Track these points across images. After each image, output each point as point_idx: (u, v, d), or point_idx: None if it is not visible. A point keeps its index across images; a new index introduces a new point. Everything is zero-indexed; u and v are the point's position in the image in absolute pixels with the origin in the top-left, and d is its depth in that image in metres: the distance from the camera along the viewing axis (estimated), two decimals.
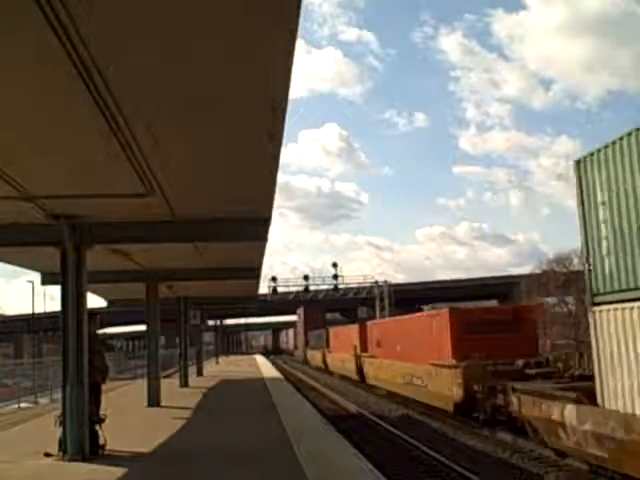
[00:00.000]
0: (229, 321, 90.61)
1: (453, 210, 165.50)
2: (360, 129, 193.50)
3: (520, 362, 15.08)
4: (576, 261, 58.91)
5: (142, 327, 44.66)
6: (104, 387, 11.23)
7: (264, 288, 49.75)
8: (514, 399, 13.38)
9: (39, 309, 71.43)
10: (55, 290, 77.21)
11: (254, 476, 8.40)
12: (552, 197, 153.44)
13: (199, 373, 32.18)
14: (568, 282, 44.39)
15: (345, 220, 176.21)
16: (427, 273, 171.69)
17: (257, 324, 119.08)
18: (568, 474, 10.82)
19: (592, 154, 10.35)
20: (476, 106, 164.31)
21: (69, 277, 9.72)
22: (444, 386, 17.35)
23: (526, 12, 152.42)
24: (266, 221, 10.49)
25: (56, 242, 9.77)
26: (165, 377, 25.55)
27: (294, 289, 57.94)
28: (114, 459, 9.46)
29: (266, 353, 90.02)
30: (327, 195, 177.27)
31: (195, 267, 16.05)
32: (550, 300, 45.07)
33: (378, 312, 53.36)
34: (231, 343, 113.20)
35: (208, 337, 64.47)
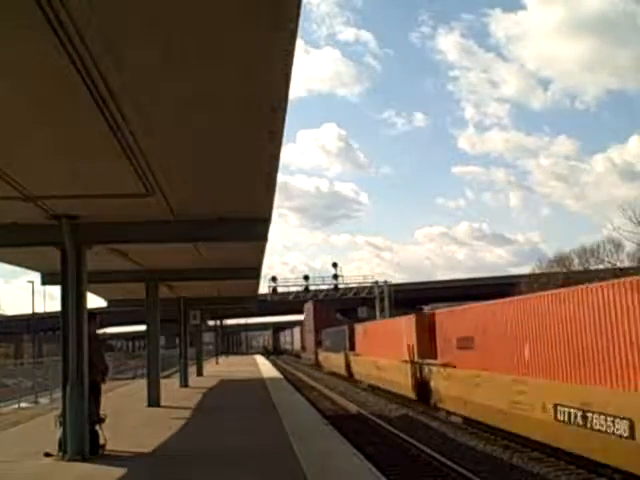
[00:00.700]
0: (229, 321, 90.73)
1: (452, 210, 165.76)
2: (359, 129, 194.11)
3: None
4: (576, 261, 59.12)
5: (142, 327, 44.67)
6: (104, 387, 11.23)
7: (264, 288, 49.74)
8: None
9: (39, 309, 71.42)
10: (55, 290, 77.27)
11: (254, 476, 8.40)
12: (551, 197, 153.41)
13: (199, 373, 32.18)
14: (568, 282, 44.37)
15: (344, 220, 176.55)
16: (427, 273, 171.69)
17: (257, 324, 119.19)
18: None
19: None
20: (475, 106, 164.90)
21: (69, 277, 9.71)
22: None
23: (524, 12, 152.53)
24: (266, 221, 10.49)
25: (56, 242, 9.76)
26: (165, 377, 25.56)
27: (294, 289, 57.96)
28: (114, 459, 9.46)
29: (266, 353, 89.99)
30: (326, 195, 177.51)
31: (195, 267, 16.04)
32: None
33: (378, 312, 53.39)
34: (231, 343, 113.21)
35: (208, 337, 64.51)
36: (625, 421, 9.66)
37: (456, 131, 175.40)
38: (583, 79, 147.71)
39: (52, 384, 18.75)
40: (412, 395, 20.88)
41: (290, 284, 56.36)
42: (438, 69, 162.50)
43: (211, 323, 58.25)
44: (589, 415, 10.53)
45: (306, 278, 54.78)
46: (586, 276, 50.77)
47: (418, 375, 20.36)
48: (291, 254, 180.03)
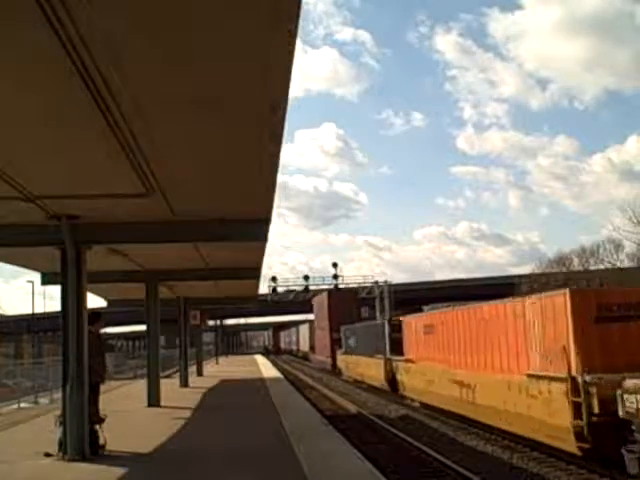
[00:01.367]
0: (229, 321, 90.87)
1: (452, 210, 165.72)
2: (357, 129, 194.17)
3: None
4: (576, 261, 59.20)
5: (142, 327, 44.66)
6: (104, 387, 11.24)
7: (264, 288, 49.70)
8: None
9: (39, 309, 71.49)
10: (55, 290, 77.25)
11: (254, 476, 8.41)
12: (551, 197, 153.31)
13: (199, 373, 32.20)
14: (568, 282, 44.39)
15: (344, 220, 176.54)
16: (426, 273, 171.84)
17: (257, 324, 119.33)
18: None
19: None
20: (473, 106, 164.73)
21: (69, 277, 9.72)
22: None
23: (522, 12, 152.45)
24: (266, 221, 10.49)
25: (56, 242, 9.77)
26: (165, 377, 25.56)
27: (294, 289, 57.90)
28: (114, 459, 9.46)
29: (266, 353, 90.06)
30: (325, 195, 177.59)
31: (195, 267, 16.05)
32: None
33: (378, 312, 53.40)
34: (231, 343, 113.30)
35: (208, 337, 64.51)
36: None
37: (455, 131, 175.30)
38: (582, 79, 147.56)
39: (52, 384, 18.75)
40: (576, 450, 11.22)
41: (290, 284, 56.29)
42: (436, 69, 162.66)
43: (211, 323, 58.26)
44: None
45: (306, 278, 54.68)
46: (586, 276, 50.84)
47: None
48: (290, 254, 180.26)
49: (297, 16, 4.14)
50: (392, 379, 24.63)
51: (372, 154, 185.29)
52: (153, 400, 17.06)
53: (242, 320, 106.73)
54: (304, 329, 64.59)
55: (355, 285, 57.90)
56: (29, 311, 67.75)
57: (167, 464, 9.36)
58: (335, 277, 53.23)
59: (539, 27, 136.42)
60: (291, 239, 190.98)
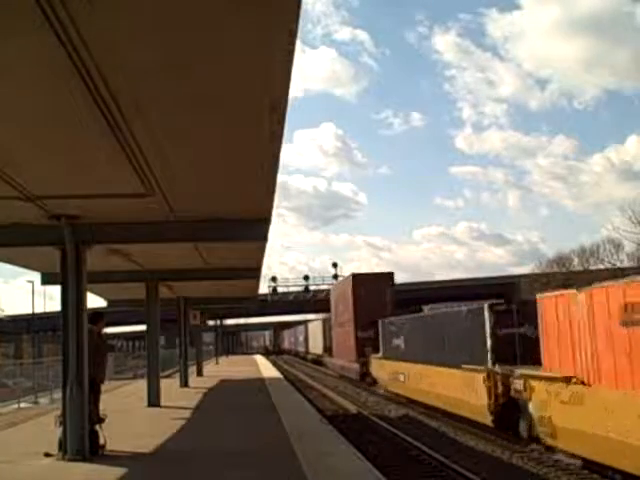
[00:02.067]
0: (229, 321, 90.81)
1: (451, 210, 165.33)
2: (356, 129, 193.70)
3: None
4: (576, 261, 59.22)
5: (142, 327, 44.66)
6: (104, 387, 11.24)
7: (264, 288, 49.71)
8: None
9: (39, 309, 71.45)
10: (55, 290, 77.18)
11: (254, 476, 8.40)
12: (550, 197, 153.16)
13: (199, 373, 32.20)
14: (568, 282, 44.39)
15: (343, 220, 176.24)
16: (426, 273, 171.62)
17: (257, 324, 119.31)
18: None
19: None
20: (472, 106, 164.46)
21: (69, 277, 9.71)
22: None
23: (520, 12, 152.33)
24: (266, 221, 10.49)
25: (56, 242, 9.77)
26: (165, 377, 25.55)
27: (294, 289, 57.93)
28: (114, 459, 9.46)
29: (266, 353, 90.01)
30: (324, 195, 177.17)
31: (195, 267, 16.05)
32: None
33: None
34: (231, 343, 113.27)
35: (208, 337, 64.52)
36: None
37: (453, 131, 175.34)
38: (581, 79, 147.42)
39: (52, 384, 18.76)
40: None
41: (290, 284, 56.35)
42: (435, 69, 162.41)
43: (211, 323, 58.27)
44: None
45: (306, 278, 54.88)
46: (586, 276, 50.80)
47: None
48: (290, 254, 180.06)
49: (297, 16, 4.14)
50: (506, 412, 13.69)
51: (371, 154, 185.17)
52: (153, 400, 17.07)
53: (242, 320, 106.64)
54: (315, 327, 52.62)
55: None
56: (29, 311, 67.83)
57: (167, 464, 9.36)
58: (335, 277, 53.28)
59: (538, 27, 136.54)
60: (291, 239, 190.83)
